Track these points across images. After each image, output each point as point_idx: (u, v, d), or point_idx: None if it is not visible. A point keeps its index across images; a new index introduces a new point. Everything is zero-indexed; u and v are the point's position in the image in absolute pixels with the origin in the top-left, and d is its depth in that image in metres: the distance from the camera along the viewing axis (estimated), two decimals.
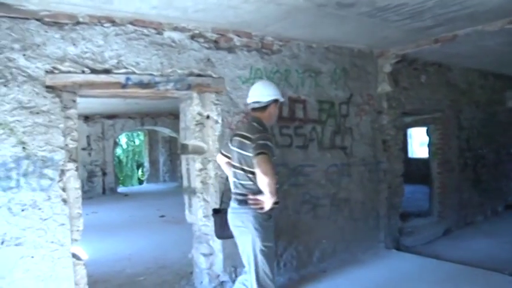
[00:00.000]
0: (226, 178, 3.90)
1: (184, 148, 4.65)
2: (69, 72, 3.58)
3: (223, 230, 3.78)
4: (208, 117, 4.46)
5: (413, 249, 6.26)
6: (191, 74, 4.23)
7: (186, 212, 4.78)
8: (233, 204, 3.41)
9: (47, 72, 3.48)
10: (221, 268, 4.45)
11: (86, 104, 9.11)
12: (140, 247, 6.78)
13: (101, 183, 13.95)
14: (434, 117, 7.44)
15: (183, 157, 4.77)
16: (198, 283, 4.66)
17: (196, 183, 4.49)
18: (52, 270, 3.52)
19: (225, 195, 4.15)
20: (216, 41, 4.40)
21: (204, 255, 4.51)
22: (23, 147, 3.40)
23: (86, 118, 13.35)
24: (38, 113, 3.46)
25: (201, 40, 4.30)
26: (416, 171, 11.37)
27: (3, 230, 3.32)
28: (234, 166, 3.48)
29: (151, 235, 7.66)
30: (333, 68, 5.40)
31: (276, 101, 3.53)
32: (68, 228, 3.61)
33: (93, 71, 3.69)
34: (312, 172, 5.16)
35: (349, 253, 5.58)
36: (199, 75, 4.28)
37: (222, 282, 4.51)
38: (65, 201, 3.58)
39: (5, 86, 3.33)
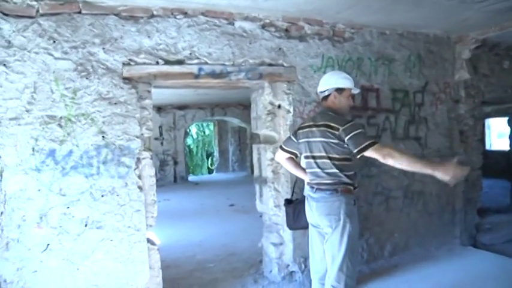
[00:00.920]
0: None
1: (256, 138, 4.67)
2: (144, 63, 3.71)
3: (295, 221, 3.78)
4: (279, 106, 4.45)
5: (492, 248, 5.87)
6: (262, 64, 4.23)
7: (257, 201, 4.82)
8: (320, 193, 3.30)
9: (123, 64, 3.64)
10: (291, 258, 4.45)
11: (158, 95, 9.43)
12: (210, 234, 6.94)
13: (173, 172, 14.43)
14: None
15: (254, 146, 4.79)
16: (267, 272, 4.69)
17: (268, 173, 4.50)
18: (129, 254, 3.70)
19: (296, 185, 4.14)
20: (287, 30, 4.37)
21: (274, 244, 4.53)
22: (103, 136, 3.58)
23: (159, 109, 13.83)
24: (115, 103, 3.63)
25: (272, 29, 4.28)
26: (494, 164, 10.67)
27: (86, 214, 3.54)
28: (311, 157, 3.39)
29: (221, 223, 7.82)
30: (407, 55, 5.18)
31: (339, 90, 3.39)
32: (143, 214, 3.76)
33: (167, 62, 3.80)
34: (384, 163, 4.98)
35: (422, 248, 5.37)
36: (270, 65, 4.27)
37: (291, 272, 4.51)
38: (140, 188, 3.73)
39: (87, 78, 3.52)
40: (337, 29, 4.66)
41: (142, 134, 3.78)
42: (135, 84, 3.72)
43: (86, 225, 3.53)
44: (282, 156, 3.70)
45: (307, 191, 3.48)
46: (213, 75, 3.99)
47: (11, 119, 3.30)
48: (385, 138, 5.02)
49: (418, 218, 5.35)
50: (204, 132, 22.35)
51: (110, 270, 3.64)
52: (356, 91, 3.53)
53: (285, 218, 4.02)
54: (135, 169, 3.72)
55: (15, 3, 3.30)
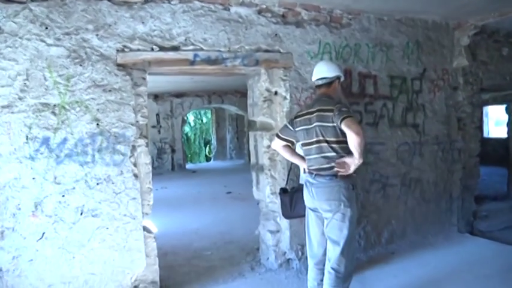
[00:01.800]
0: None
1: (252, 125, 4.64)
2: (138, 50, 3.66)
3: (292, 210, 3.79)
4: (276, 93, 4.41)
5: (489, 235, 5.88)
6: (259, 50, 4.18)
7: (254, 188, 4.80)
8: (319, 179, 3.34)
9: (117, 50, 3.59)
10: (288, 245, 4.44)
11: (155, 83, 9.40)
12: (207, 222, 6.94)
13: (170, 160, 14.41)
14: None
15: (251, 134, 4.76)
16: (264, 259, 4.69)
17: (264, 160, 4.48)
18: (125, 242, 3.69)
19: (292, 172, 4.13)
20: (283, 16, 4.31)
21: (271, 232, 4.53)
22: (97, 124, 3.55)
23: (156, 97, 13.78)
24: (110, 90, 3.59)
25: (268, 15, 4.23)
26: (492, 152, 10.71)
27: (81, 202, 3.53)
28: (309, 143, 3.42)
29: (218, 211, 7.81)
30: (405, 42, 5.13)
31: (338, 78, 3.53)
32: (139, 202, 3.75)
33: (162, 49, 3.75)
34: (382, 150, 4.99)
35: (419, 235, 5.38)
36: (266, 51, 4.22)
37: (288, 260, 4.51)
38: (136, 176, 3.71)
39: (80, 65, 3.48)
40: (334, 15, 4.60)
41: (137, 122, 3.75)
42: (130, 71, 3.68)
43: (81, 214, 3.52)
44: (278, 144, 3.70)
45: (306, 177, 3.50)
46: (209, 61, 3.95)
47: (3, 107, 3.25)
48: (383, 126, 4.99)
49: (416, 206, 5.35)
50: (202, 120, 22.30)
51: (106, 259, 3.63)
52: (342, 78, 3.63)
53: (280, 207, 4.02)
54: (130, 157, 3.69)
55: None
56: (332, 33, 4.60)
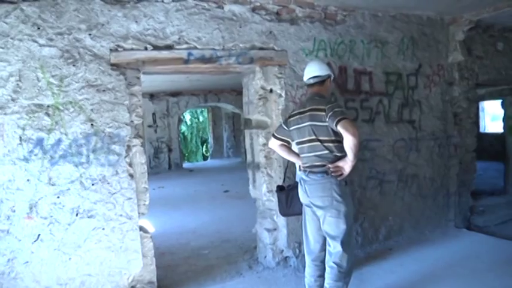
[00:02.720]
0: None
1: (248, 123, 4.62)
2: (132, 49, 3.64)
3: (289, 207, 3.80)
4: (271, 91, 4.40)
5: (486, 230, 5.90)
6: (253, 48, 4.16)
7: (250, 187, 4.79)
8: (312, 176, 3.38)
9: (111, 50, 3.57)
10: (285, 243, 4.44)
11: (150, 82, 9.38)
12: (204, 221, 6.92)
13: (167, 159, 14.38)
14: None
15: (247, 132, 4.75)
16: (261, 258, 4.68)
17: (260, 158, 4.46)
18: (121, 242, 3.68)
19: (288, 170, 4.12)
20: (277, 13, 4.30)
21: (268, 230, 4.51)
22: (92, 124, 3.53)
23: (151, 96, 13.74)
24: (104, 90, 3.57)
25: (263, 12, 4.21)
26: (489, 147, 10.72)
27: (77, 203, 3.51)
28: (302, 142, 3.46)
29: (215, 209, 7.80)
30: (400, 38, 5.12)
31: (330, 77, 3.59)
32: (135, 202, 3.73)
33: (156, 48, 3.73)
34: (378, 147, 4.98)
35: (416, 231, 5.39)
36: (261, 49, 4.20)
37: (285, 258, 4.51)
38: (131, 176, 3.69)
39: (73, 65, 3.45)
40: (328, 12, 4.58)
41: (132, 121, 3.73)
42: (124, 70, 3.65)
43: (76, 215, 3.50)
44: (275, 144, 3.74)
45: (300, 174, 3.54)
46: (203, 60, 3.93)
47: None
48: (379, 122, 4.98)
49: (413, 202, 5.35)
50: (198, 119, 22.27)
51: (103, 259, 3.62)
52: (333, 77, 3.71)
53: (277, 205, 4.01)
54: (125, 157, 3.67)
55: None
56: (327, 30, 4.58)
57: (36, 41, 3.31)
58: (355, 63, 4.77)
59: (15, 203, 3.31)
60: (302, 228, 3.69)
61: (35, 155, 3.35)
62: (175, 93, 14.11)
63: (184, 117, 19.56)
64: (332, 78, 3.64)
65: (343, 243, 3.32)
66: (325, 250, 3.55)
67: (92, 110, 3.52)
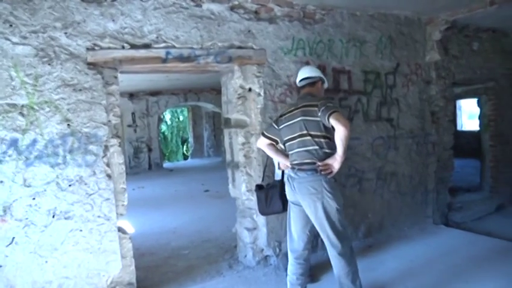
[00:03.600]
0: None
1: (227, 122, 4.61)
2: (109, 48, 3.59)
3: (268, 206, 3.82)
4: (250, 90, 4.39)
5: (463, 226, 6.02)
6: (232, 47, 4.15)
7: (230, 186, 4.78)
8: (300, 174, 3.39)
9: (87, 49, 3.51)
10: (265, 242, 4.44)
11: (129, 81, 9.28)
12: (185, 221, 6.88)
13: (147, 159, 14.26)
14: (487, 87, 7.02)
15: (226, 131, 4.73)
16: (242, 257, 4.68)
17: (239, 157, 4.45)
18: (99, 243, 3.62)
19: (267, 169, 4.12)
20: (256, 12, 4.29)
21: (248, 229, 4.51)
22: (68, 124, 3.46)
23: (131, 95, 13.60)
24: (80, 90, 3.50)
25: (241, 11, 4.20)
26: (465, 144, 10.90)
27: (53, 204, 3.44)
28: (292, 138, 3.47)
29: (196, 209, 7.76)
30: (378, 37, 5.17)
31: (321, 80, 3.68)
32: (113, 203, 3.68)
33: (133, 46, 3.68)
34: (357, 145, 5.01)
35: (395, 228, 5.45)
36: (240, 48, 4.19)
37: (266, 257, 4.51)
38: (109, 176, 3.64)
39: (49, 64, 3.38)
40: (307, 11, 4.59)
41: (109, 121, 3.68)
42: (101, 69, 3.60)
43: (53, 216, 3.43)
44: (263, 142, 3.74)
45: (288, 172, 3.55)
46: (181, 59, 3.90)
47: None
48: (357, 120, 5.02)
49: (391, 199, 5.41)
50: (179, 118, 22.12)
51: (81, 261, 3.56)
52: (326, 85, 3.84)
53: (257, 204, 4.02)
54: (103, 157, 3.62)
55: None
56: (305, 29, 4.59)
57: (8, 39, 3.22)
58: (333, 62, 4.79)
59: None
60: (286, 225, 3.69)
61: (9, 156, 3.27)
62: (154, 93, 13.98)
63: (164, 116, 19.41)
64: (325, 85, 3.75)
65: (337, 233, 3.35)
66: (308, 249, 3.59)
67: (68, 109, 3.46)
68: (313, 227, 3.50)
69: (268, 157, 4.04)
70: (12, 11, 3.24)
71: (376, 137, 5.20)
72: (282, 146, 3.71)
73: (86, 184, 3.55)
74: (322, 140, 3.34)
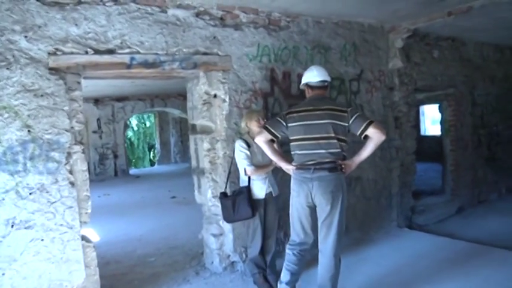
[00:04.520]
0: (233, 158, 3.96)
1: (193, 128, 4.60)
2: (72, 53, 3.52)
3: (235, 213, 3.82)
4: (215, 96, 4.39)
5: (426, 228, 6.19)
6: (197, 53, 4.14)
7: (195, 192, 4.76)
8: (322, 173, 3.40)
9: (49, 54, 3.43)
10: (231, 248, 4.43)
11: (94, 86, 9.11)
12: (151, 228, 6.80)
13: (113, 166, 14.03)
14: (447, 94, 7.26)
15: (191, 137, 4.72)
16: (208, 263, 4.65)
17: (205, 164, 4.44)
18: (62, 253, 3.53)
19: (232, 175, 4.12)
20: (221, 18, 4.30)
21: (214, 235, 4.49)
22: (29, 131, 3.37)
23: (96, 101, 13.38)
24: (42, 95, 3.42)
25: (207, 17, 4.20)
26: (428, 149, 11.20)
27: (12, 214, 3.32)
28: (310, 139, 3.46)
29: (162, 216, 7.68)
30: (342, 44, 5.27)
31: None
32: (76, 211, 3.60)
33: (97, 52, 3.63)
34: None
35: (361, 232, 5.53)
36: (205, 54, 4.19)
37: (232, 262, 4.50)
38: (72, 184, 3.56)
39: (7, 69, 3.28)
40: (272, 18, 4.64)
41: (72, 128, 3.60)
42: (63, 75, 3.52)
43: (12, 226, 3.32)
44: (263, 138, 3.58)
45: (299, 173, 3.50)
46: (146, 65, 3.87)
47: None
48: None
49: (357, 203, 5.49)
50: (145, 124, 21.86)
51: (42, 272, 3.45)
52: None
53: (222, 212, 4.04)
54: (65, 164, 3.53)
55: None
56: (271, 36, 4.64)
57: None
58: (298, 69, 4.85)
59: None
60: (293, 224, 3.65)
61: None
62: (120, 98, 13.79)
63: (130, 122, 19.14)
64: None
65: (339, 236, 3.46)
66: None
67: (28, 115, 3.36)
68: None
69: (232, 163, 4.04)
70: None
71: None
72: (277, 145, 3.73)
73: (47, 192, 3.45)
74: (343, 144, 3.46)
